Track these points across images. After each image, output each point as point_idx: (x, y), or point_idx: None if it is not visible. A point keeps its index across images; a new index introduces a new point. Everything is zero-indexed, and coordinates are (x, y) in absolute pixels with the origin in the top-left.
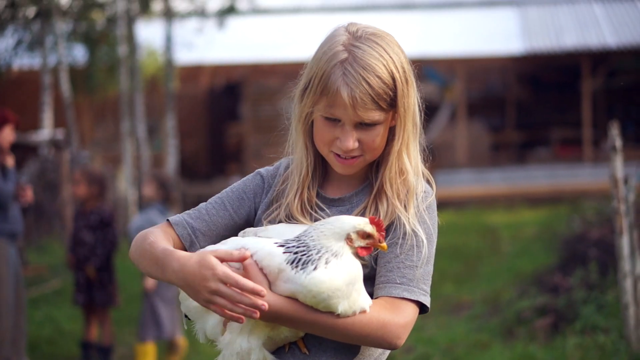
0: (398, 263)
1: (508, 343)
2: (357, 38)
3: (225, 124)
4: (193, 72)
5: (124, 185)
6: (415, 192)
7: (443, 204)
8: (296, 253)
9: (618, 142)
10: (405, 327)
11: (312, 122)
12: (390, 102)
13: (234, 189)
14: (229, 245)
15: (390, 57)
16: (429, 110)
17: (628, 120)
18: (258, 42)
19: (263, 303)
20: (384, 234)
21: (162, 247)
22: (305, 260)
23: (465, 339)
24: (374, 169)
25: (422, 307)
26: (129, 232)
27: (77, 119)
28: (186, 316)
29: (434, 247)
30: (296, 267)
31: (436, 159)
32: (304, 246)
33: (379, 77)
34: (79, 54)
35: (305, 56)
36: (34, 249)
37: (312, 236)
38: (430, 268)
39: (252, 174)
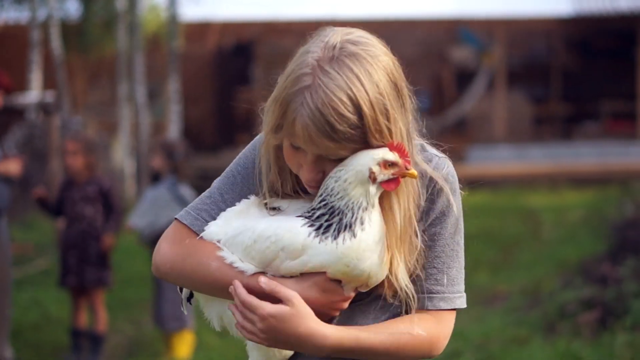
0: (427, 268)
1: (549, 339)
2: (329, 59)
3: (234, 89)
4: (199, 29)
5: (121, 155)
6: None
7: (478, 183)
8: (327, 220)
9: None
10: (447, 338)
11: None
12: (359, 138)
13: (247, 165)
14: (238, 225)
15: (363, 87)
16: (464, 78)
17: None
18: None
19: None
20: (409, 159)
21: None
22: (336, 228)
23: (501, 334)
24: None
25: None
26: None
27: (69, 80)
28: (189, 300)
29: (462, 232)
30: (323, 235)
31: (471, 132)
32: (330, 208)
33: (340, 115)
34: (72, 7)
35: (325, 14)
36: (19, 225)
37: (337, 193)
38: (462, 260)
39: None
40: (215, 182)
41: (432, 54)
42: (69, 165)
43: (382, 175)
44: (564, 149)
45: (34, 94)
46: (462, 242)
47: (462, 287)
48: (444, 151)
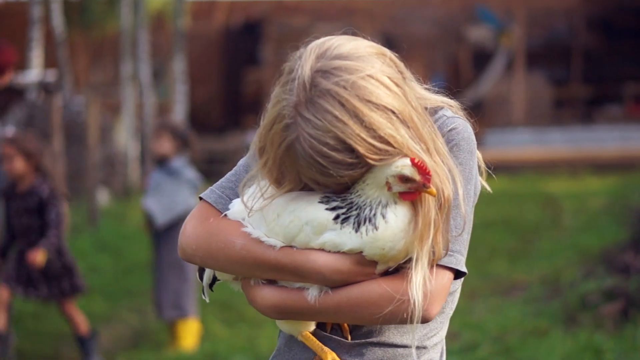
0: None
1: (570, 331)
2: (305, 103)
3: (242, 69)
4: (206, 7)
5: (124, 137)
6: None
7: (496, 168)
8: (345, 213)
9: None
10: (433, 297)
11: None
12: (362, 163)
13: None
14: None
15: (345, 124)
16: (482, 59)
17: None
18: None
19: None
20: (429, 177)
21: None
22: (355, 221)
23: (519, 325)
24: None
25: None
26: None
27: (71, 59)
28: (210, 287)
29: (465, 192)
30: (343, 224)
31: (488, 115)
32: (349, 203)
33: (335, 158)
34: None
35: None
36: None
37: (356, 191)
38: (460, 222)
39: None
40: (241, 160)
41: (448, 34)
42: (7, 171)
43: (398, 187)
44: (585, 133)
45: (34, 72)
46: (463, 203)
47: (458, 248)
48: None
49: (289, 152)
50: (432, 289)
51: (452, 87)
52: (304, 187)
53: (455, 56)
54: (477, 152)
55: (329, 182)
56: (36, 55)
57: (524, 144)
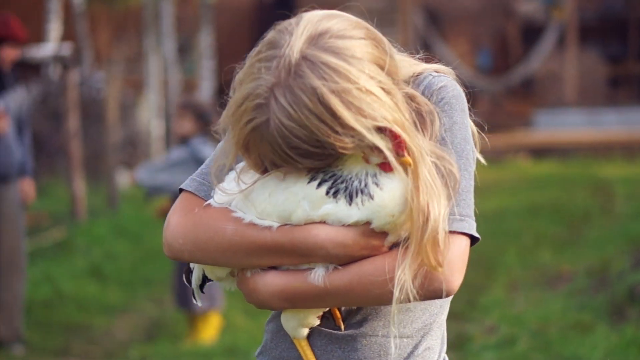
0: None
1: (616, 325)
2: (286, 87)
3: None
4: None
5: (147, 115)
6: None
7: (545, 151)
8: (331, 187)
9: None
10: (451, 266)
11: None
12: (334, 154)
13: None
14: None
15: (321, 120)
16: (532, 34)
17: None
18: None
19: None
20: (401, 143)
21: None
22: (347, 194)
23: (561, 319)
24: None
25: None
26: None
27: (92, 32)
28: (201, 288)
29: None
30: (335, 198)
31: (538, 95)
32: (332, 176)
33: (302, 151)
34: None
35: None
36: None
37: (337, 165)
38: (466, 184)
39: None
40: (219, 145)
41: (496, 7)
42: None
43: (374, 158)
44: None
45: (50, 46)
46: (469, 165)
47: (468, 211)
48: (508, 114)
49: (254, 133)
50: (449, 259)
51: (500, 64)
52: (265, 170)
53: (503, 31)
54: (470, 121)
55: (291, 167)
56: (54, 28)
57: (577, 125)
